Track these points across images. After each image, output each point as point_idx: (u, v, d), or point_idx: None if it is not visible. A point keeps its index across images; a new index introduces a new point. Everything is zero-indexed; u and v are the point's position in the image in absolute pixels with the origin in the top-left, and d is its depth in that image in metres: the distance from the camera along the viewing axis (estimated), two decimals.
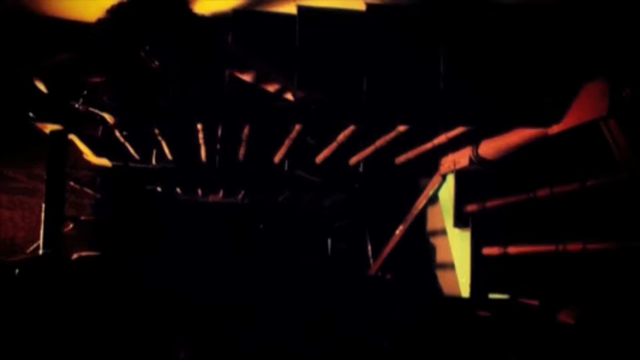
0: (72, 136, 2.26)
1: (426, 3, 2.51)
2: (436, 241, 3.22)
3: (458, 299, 2.64)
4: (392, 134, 2.24)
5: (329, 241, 3.57)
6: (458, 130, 2.12)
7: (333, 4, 2.56)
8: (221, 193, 3.52)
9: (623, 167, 1.64)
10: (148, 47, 1.78)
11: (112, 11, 1.78)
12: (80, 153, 2.58)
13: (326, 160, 2.63)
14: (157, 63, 1.80)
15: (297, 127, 2.22)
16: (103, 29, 1.78)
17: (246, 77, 2.14)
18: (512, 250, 2.15)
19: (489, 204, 2.31)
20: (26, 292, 1.70)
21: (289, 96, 2.16)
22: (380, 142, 2.37)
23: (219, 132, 2.62)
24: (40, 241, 1.97)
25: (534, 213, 2.13)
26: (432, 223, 3.25)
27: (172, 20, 1.81)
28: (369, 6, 2.56)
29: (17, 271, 1.71)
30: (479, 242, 2.41)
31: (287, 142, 2.42)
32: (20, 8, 2.64)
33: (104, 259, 2.06)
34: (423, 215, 3.14)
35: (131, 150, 2.59)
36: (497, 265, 2.32)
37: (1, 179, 3.15)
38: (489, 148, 2.19)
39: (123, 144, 2.48)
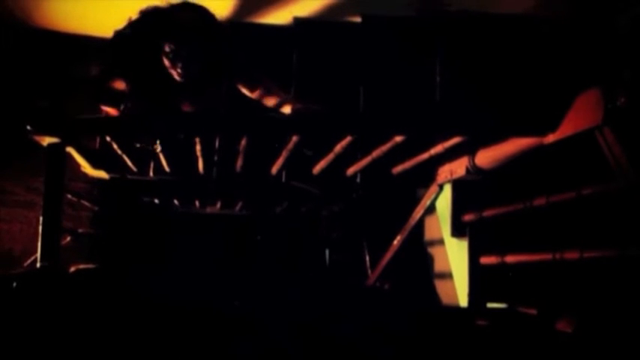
0: (69, 149, 2.26)
1: (422, 14, 2.53)
2: (434, 251, 3.22)
3: (456, 308, 2.63)
4: (389, 144, 2.24)
5: (327, 251, 3.57)
6: (454, 140, 2.12)
7: (329, 16, 2.59)
8: (219, 205, 3.52)
9: (618, 175, 1.64)
10: (172, 53, 1.79)
11: (144, 12, 1.80)
12: (77, 165, 2.58)
13: (323, 171, 2.63)
14: (179, 69, 1.82)
15: (294, 138, 2.23)
16: (132, 32, 1.79)
17: (250, 93, 2.15)
18: (509, 259, 2.15)
19: (486, 213, 2.31)
20: (24, 305, 1.69)
21: (287, 107, 2.17)
22: (377, 153, 2.37)
23: (217, 144, 2.62)
24: (38, 254, 1.96)
25: (531, 222, 2.13)
26: (429, 233, 3.25)
27: (197, 26, 1.82)
28: (365, 17, 2.59)
29: (15, 284, 1.70)
30: (476, 251, 2.40)
31: (284, 154, 2.43)
32: (14, 22, 2.65)
33: (102, 272, 2.06)
34: (420, 225, 3.14)
35: (128, 162, 2.59)
36: (495, 274, 2.32)
37: None
38: (486, 157, 2.19)
39: (120, 156, 2.49)
